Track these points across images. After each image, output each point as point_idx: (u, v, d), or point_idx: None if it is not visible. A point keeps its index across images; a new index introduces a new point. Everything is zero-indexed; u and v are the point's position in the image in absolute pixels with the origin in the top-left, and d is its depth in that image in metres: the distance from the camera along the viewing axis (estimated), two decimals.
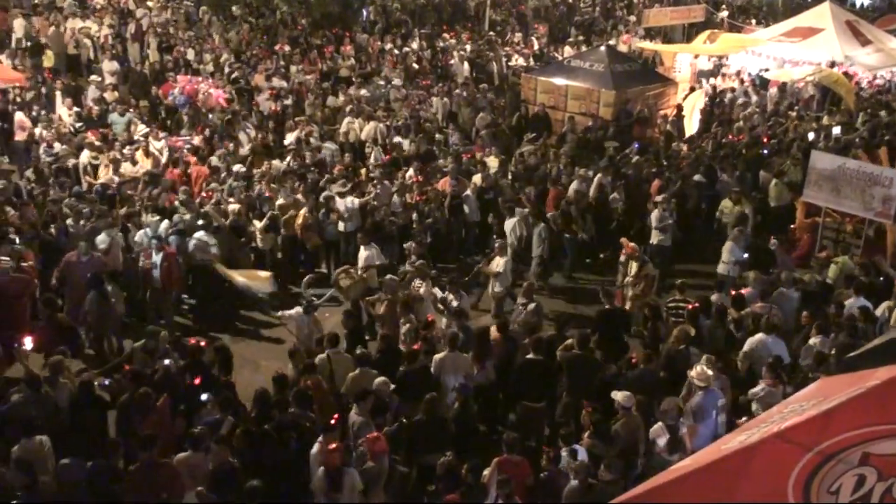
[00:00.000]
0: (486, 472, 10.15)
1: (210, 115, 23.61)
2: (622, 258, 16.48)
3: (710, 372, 11.67)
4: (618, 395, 11.31)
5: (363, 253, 15.97)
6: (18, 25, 29.50)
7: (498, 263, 15.92)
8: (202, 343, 12.27)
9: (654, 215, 17.91)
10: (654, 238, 17.90)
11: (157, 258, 15.26)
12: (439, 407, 11.46)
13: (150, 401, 10.83)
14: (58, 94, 24.27)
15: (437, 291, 14.79)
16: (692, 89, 29.12)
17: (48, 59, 28.53)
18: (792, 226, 19.35)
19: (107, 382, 11.50)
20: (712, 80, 31.52)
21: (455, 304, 14.25)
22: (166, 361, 11.76)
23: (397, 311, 13.95)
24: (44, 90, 24.49)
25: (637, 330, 15.19)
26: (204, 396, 11.28)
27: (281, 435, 10.49)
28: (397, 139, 22.86)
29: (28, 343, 11.93)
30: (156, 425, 10.49)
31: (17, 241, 14.72)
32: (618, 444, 10.93)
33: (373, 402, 11.17)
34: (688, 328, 13.30)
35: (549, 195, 19.32)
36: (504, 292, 15.93)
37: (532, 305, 14.28)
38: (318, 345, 12.81)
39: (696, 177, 20.37)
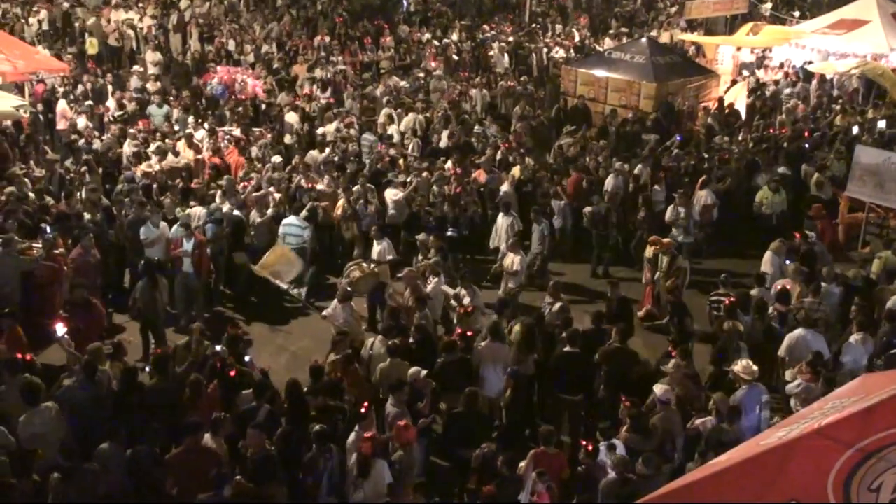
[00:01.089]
0: (521, 464, 10.14)
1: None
2: (649, 254, 16.27)
3: (755, 367, 11.61)
4: (656, 389, 11.25)
5: (376, 247, 15.88)
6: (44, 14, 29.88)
7: (514, 261, 15.71)
8: (239, 332, 12.29)
9: (669, 211, 17.75)
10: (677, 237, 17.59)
11: (188, 246, 15.29)
12: (479, 401, 11.45)
13: (201, 387, 10.94)
14: (109, 87, 24.48)
15: (448, 289, 14.61)
16: (734, 82, 28.82)
17: (91, 47, 28.85)
18: (835, 221, 19.08)
19: (147, 369, 11.58)
20: (758, 73, 31.16)
21: (467, 300, 14.13)
22: (217, 348, 11.90)
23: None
24: (92, 83, 24.68)
25: (665, 325, 15.09)
26: (247, 358, 11.60)
27: (307, 423, 10.51)
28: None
29: (60, 329, 12.09)
30: (204, 411, 10.58)
31: (49, 230, 14.83)
32: (655, 438, 10.88)
33: (409, 393, 11.22)
34: (738, 324, 13.22)
35: (571, 180, 19.31)
36: (517, 290, 15.73)
37: (558, 305, 14.10)
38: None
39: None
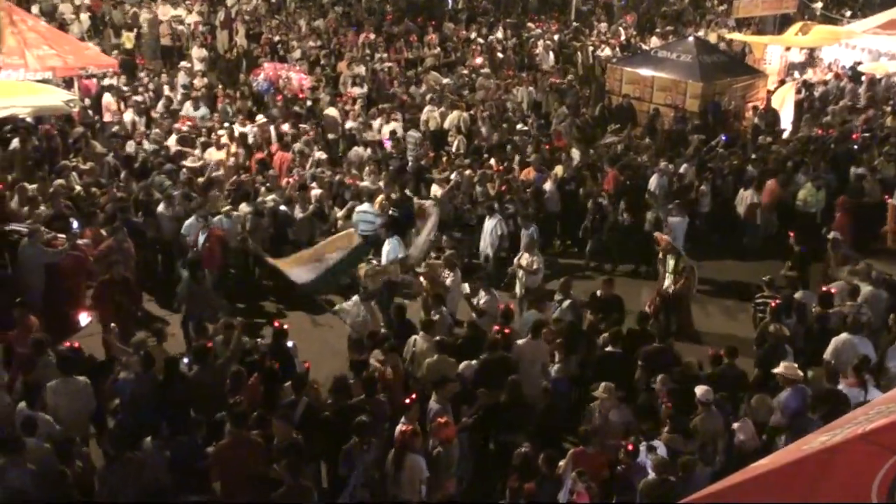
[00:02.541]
0: (561, 463, 10.11)
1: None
2: (660, 255, 16.02)
3: (798, 370, 11.48)
4: (697, 390, 11.16)
5: (386, 246, 15.78)
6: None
7: (532, 261, 15.49)
8: (285, 326, 12.33)
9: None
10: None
11: (201, 238, 15.35)
12: (522, 391, 11.47)
13: (242, 380, 11.00)
14: (165, 87, 24.74)
15: (466, 287, 14.54)
16: (782, 82, 28.51)
17: (128, 41, 29.17)
18: (884, 228, 18.69)
19: (186, 360, 11.68)
20: (808, 73, 30.78)
21: (482, 302, 14.00)
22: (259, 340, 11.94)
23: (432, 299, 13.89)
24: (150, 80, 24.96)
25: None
26: (290, 343, 11.64)
27: (344, 420, 10.54)
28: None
29: (84, 319, 12.20)
30: (245, 403, 10.66)
31: (76, 223, 14.94)
32: (696, 439, 10.80)
33: (457, 389, 11.21)
34: (784, 328, 13.09)
35: (608, 176, 19.22)
36: (534, 287, 15.43)
37: (567, 302, 13.99)
38: (370, 337, 12.58)
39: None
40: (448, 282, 14.39)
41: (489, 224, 16.89)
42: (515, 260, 15.86)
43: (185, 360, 11.72)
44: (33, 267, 13.72)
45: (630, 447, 10.19)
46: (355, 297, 13.67)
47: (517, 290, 15.59)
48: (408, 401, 10.72)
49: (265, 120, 21.90)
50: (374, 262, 15.45)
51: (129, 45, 29.00)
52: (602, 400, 11.15)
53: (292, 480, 9.38)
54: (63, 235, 14.36)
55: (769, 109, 25.16)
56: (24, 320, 12.04)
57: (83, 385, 10.82)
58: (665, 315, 15.15)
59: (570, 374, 12.45)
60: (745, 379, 12.22)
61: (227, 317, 13.14)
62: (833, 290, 14.34)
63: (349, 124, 22.69)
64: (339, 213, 17.20)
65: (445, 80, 27.06)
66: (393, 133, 21.44)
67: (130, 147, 19.89)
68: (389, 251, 15.65)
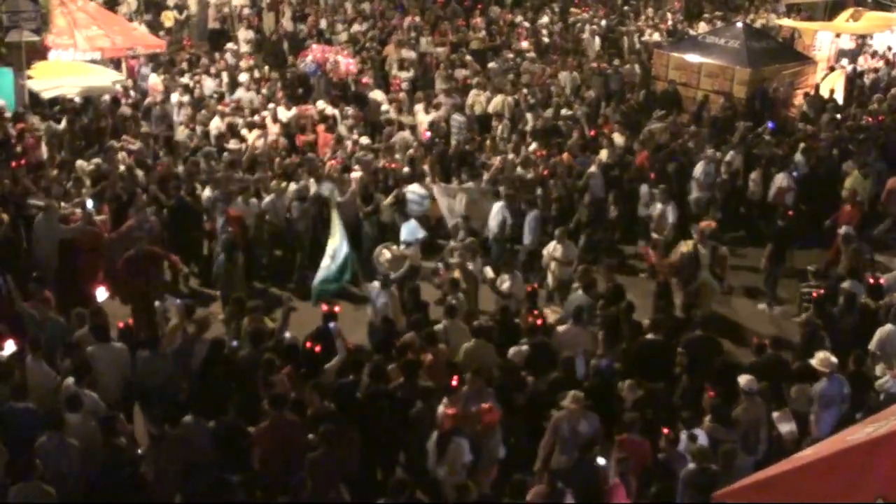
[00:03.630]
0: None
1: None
2: (688, 247, 15.49)
3: (833, 358, 11.35)
4: (741, 379, 11.07)
5: (404, 228, 15.73)
6: None
7: (557, 250, 15.29)
8: (335, 309, 12.36)
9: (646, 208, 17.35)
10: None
11: (220, 221, 15.40)
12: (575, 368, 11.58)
13: (273, 367, 11.06)
14: (211, 69, 24.89)
15: (489, 271, 14.47)
16: (831, 69, 28.09)
17: (167, 20, 29.38)
18: None
19: (235, 343, 11.75)
20: (860, 61, 30.28)
21: (505, 286, 13.94)
22: (287, 335, 12.06)
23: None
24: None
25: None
26: (332, 325, 11.70)
27: (376, 403, 10.60)
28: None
29: (101, 294, 12.42)
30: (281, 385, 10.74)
31: (90, 202, 15.04)
32: (739, 429, 10.72)
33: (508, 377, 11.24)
34: (815, 317, 12.93)
35: (639, 157, 19.27)
36: (567, 279, 15.10)
37: (579, 292, 13.74)
38: (384, 322, 12.63)
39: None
40: (471, 267, 14.34)
41: (494, 208, 16.73)
42: (546, 251, 15.64)
43: (234, 343, 11.80)
44: (47, 242, 13.94)
45: (670, 435, 10.14)
46: (375, 283, 13.61)
47: (549, 281, 15.32)
48: (454, 383, 10.71)
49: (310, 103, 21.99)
50: (395, 247, 15.37)
51: (168, 24, 29.21)
52: (569, 410, 10.49)
53: (327, 447, 9.48)
54: (79, 211, 14.52)
55: (818, 97, 24.81)
56: (39, 294, 12.24)
57: (120, 351, 11.17)
58: (666, 301, 14.84)
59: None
60: (789, 368, 12.08)
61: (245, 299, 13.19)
62: (882, 281, 14.14)
63: (384, 107, 22.69)
64: (387, 200, 17.19)
65: (491, 64, 26.96)
66: (432, 124, 21.28)
67: (184, 133, 19.94)
68: (408, 234, 15.62)
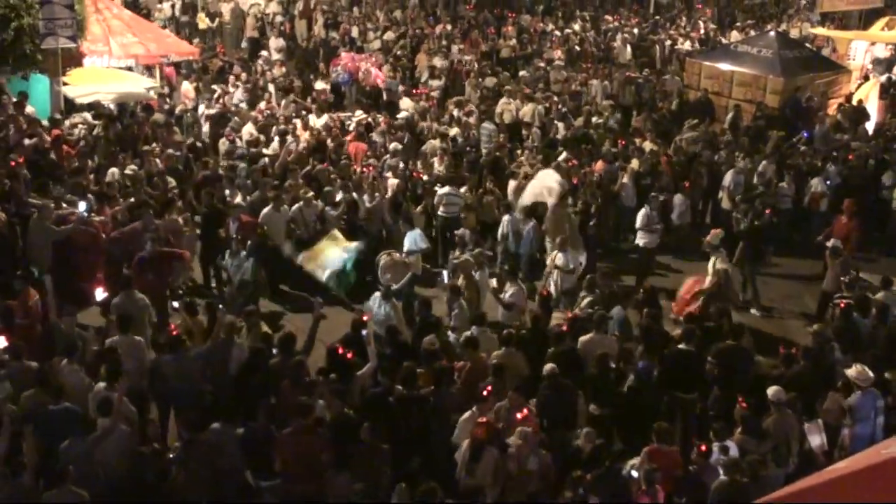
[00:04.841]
0: (635, 460, 10.04)
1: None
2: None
3: (869, 372, 11.25)
4: (769, 391, 10.98)
5: (407, 238, 15.67)
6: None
7: (558, 258, 15.09)
8: (364, 317, 12.36)
9: (641, 213, 17.01)
10: (640, 239, 16.98)
11: (232, 228, 15.36)
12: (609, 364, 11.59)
13: (303, 370, 11.09)
14: (243, 76, 25.06)
15: (494, 281, 14.35)
16: (866, 78, 27.85)
17: (202, 22, 29.60)
18: None
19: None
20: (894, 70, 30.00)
21: (508, 295, 13.83)
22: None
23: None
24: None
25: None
26: (364, 332, 11.63)
27: (406, 409, 10.60)
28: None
29: (99, 294, 12.56)
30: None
31: (84, 204, 14.89)
32: (769, 441, 10.63)
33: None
34: (825, 326, 12.92)
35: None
36: (570, 288, 14.97)
37: (588, 299, 13.75)
38: (389, 332, 12.48)
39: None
40: (476, 278, 14.26)
41: (504, 220, 16.77)
42: (549, 259, 15.52)
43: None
44: (40, 242, 13.98)
45: (703, 447, 10.07)
46: (377, 294, 13.51)
47: (551, 290, 15.02)
48: (485, 393, 10.69)
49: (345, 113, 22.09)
50: (397, 254, 15.28)
51: (202, 26, 29.43)
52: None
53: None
54: (79, 210, 14.50)
55: (853, 106, 24.60)
56: (23, 292, 12.34)
57: (139, 343, 11.40)
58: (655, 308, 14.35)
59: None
60: (821, 380, 11.97)
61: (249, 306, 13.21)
62: None
63: (403, 113, 22.65)
64: (418, 209, 17.22)
65: (522, 73, 26.95)
66: (454, 140, 20.94)
67: (223, 145, 20.04)
68: (410, 243, 15.57)
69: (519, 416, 10.41)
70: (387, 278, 14.49)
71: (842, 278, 15.16)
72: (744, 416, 10.75)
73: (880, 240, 18.86)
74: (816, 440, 10.94)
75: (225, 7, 31.01)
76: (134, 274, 13.27)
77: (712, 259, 14.97)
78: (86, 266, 14.04)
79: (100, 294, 13.00)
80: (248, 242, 14.84)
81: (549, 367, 11.29)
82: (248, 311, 12.56)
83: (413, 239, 15.66)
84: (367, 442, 9.80)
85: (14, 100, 18.81)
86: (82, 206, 14.43)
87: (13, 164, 15.74)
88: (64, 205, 14.68)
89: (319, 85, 24.89)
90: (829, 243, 15.80)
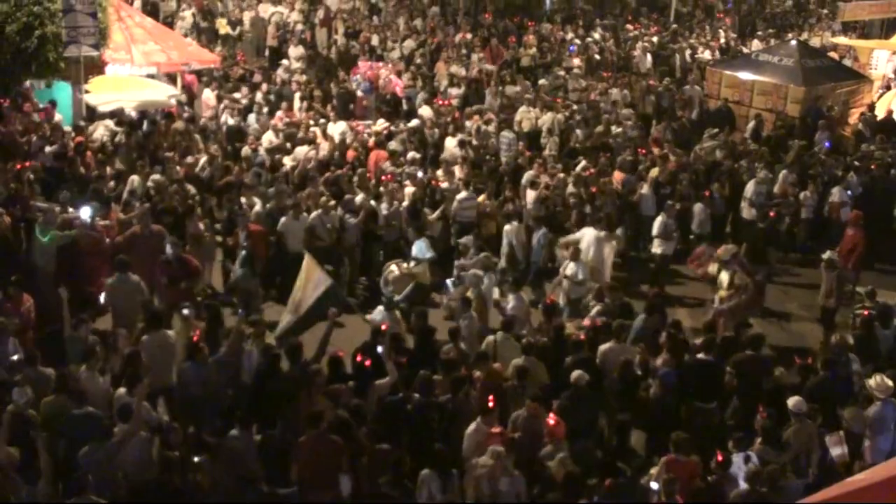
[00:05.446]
0: (653, 470, 10.00)
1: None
2: (713, 270, 15.47)
3: (889, 382, 11.17)
4: (789, 401, 10.93)
5: (414, 248, 15.63)
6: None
7: (569, 268, 14.99)
8: (383, 327, 12.35)
9: (658, 221, 16.97)
10: (656, 247, 16.92)
11: (241, 236, 15.33)
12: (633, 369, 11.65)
13: (321, 379, 11.08)
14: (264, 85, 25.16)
15: (496, 291, 14.26)
16: (888, 87, 27.71)
17: (222, 27, 29.75)
18: None
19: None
20: None
21: (510, 306, 13.64)
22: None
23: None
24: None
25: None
26: (379, 349, 11.57)
27: (424, 416, 10.62)
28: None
29: (103, 298, 12.85)
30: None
31: (86, 210, 14.85)
32: (789, 451, 10.58)
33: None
34: (846, 337, 12.86)
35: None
36: (578, 298, 14.86)
37: (597, 308, 13.74)
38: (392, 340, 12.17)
39: None
40: (485, 285, 14.22)
41: (508, 229, 16.67)
42: (562, 269, 15.35)
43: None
44: (44, 247, 14.09)
45: (720, 458, 10.02)
46: (380, 307, 13.48)
47: (560, 300, 14.96)
48: (490, 404, 10.67)
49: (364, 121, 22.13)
50: (405, 264, 15.25)
51: (223, 31, 29.58)
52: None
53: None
54: (84, 216, 14.58)
55: (875, 116, 24.49)
56: (16, 297, 12.48)
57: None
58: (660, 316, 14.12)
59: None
60: (842, 390, 11.89)
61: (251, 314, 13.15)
62: None
63: (413, 122, 22.64)
64: (433, 216, 17.23)
65: (542, 81, 26.96)
66: (462, 143, 20.81)
67: (245, 152, 20.07)
68: (417, 252, 15.54)
69: (551, 422, 10.40)
70: (389, 290, 14.53)
71: (858, 289, 15.04)
72: (764, 427, 10.70)
73: None
74: (837, 451, 10.87)
75: (246, 15, 31.14)
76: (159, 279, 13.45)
77: (723, 273, 14.91)
78: (90, 270, 14.17)
79: (104, 297, 13.08)
80: (243, 253, 14.78)
81: (576, 373, 11.27)
82: (253, 320, 12.51)
83: (420, 248, 15.64)
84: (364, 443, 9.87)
85: (41, 106, 19.03)
86: (86, 210, 14.50)
87: (19, 167, 15.88)
88: (70, 209, 14.84)
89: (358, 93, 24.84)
90: (825, 255, 15.59)
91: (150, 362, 11.27)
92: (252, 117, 22.19)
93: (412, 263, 15.38)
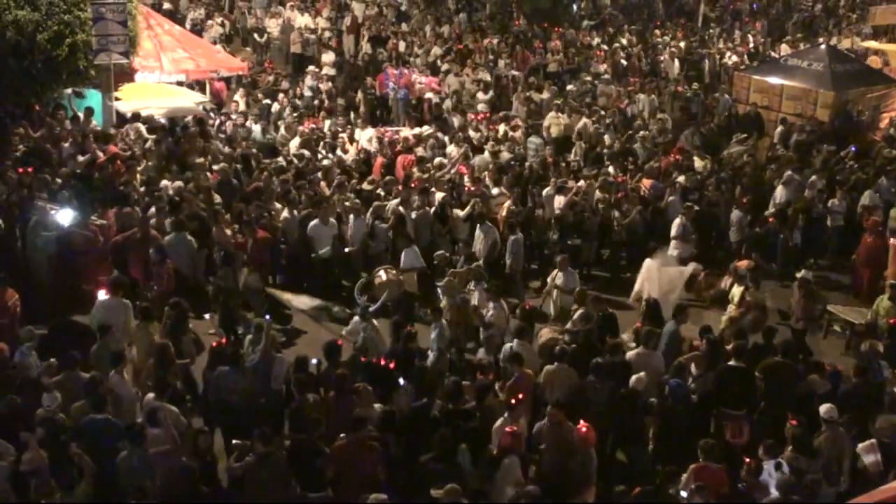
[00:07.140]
0: (682, 477, 9.95)
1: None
2: (725, 285, 15.33)
3: None
4: (821, 408, 10.84)
5: (404, 254, 15.51)
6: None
7: (559, 277, 14.86)
8: (412, 329, 12.34)
9: (676, 223, 16.87)
10: (673, 249, 16.66)
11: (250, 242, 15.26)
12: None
13: (347, 382, 11.09)
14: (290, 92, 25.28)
15: (475, 298, 13.95)
16: None
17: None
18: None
19: (315, 361, 11.73)
20: None
21: (489, 314, 13.48)
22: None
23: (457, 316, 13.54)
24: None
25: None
26: (401, 381, 11.43)
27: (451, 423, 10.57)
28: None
29: (101, 295, 12.84)
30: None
31: (72, 212, 14.91)
32: (820, 459, 10.48)
33: None
34: (876, 343, 12.76)
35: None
36: (568, 308, 14.48)
37: (580, 312, 13.55)
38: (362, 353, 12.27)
39: None
40: (475, 296, 14.02)
41: (478, 233, 16.45)
42: (550, 279, 15.24)
43: (314, 361, 11.71)
44: (38, 245, 14.26)
45: (752, 465, 9.95)
46: (356, 318, 13.24)
47: (550, 310, 14.92)
48: (513, 401, 10.68)
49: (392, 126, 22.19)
50: (394, 271, 15.14)
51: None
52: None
53: None
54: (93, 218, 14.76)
55: None
56: (2, 293, 12.58)
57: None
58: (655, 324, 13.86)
59: (706, 390, 12.07)
60: (874, 398, 11.78)
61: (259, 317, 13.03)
62: None
63: (425, 128, 22.59)
64: (462, 213, 17.17)
65: (569, 87, 26.91)
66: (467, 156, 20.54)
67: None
68: (407, 260, 15.41)
69: (584, 428, 10.36)
70: (363, 299, 14.41)
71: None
72: (795, 434, 10.62)
73: None
74: (870, 458, 10.76)
75: (273, 23, 31.27)
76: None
77: (735, 288, 14.79)
78: (85, 270, 14.28)
79: (102, 296, 13.15)
80: (223, 253, 14.68)
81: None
82: (259, 323, 12.30)
83: (410, 258, 15.48)
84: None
85: (78, 114, 19.28)
86: (65, 215, 14.51)
87: (21, 171, 16.03)
88: (53, 210, 14.89)
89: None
90: (799, 274, 15.38)
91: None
92: (279, 123, 22.30)
93: (400, 271, 15.22)
